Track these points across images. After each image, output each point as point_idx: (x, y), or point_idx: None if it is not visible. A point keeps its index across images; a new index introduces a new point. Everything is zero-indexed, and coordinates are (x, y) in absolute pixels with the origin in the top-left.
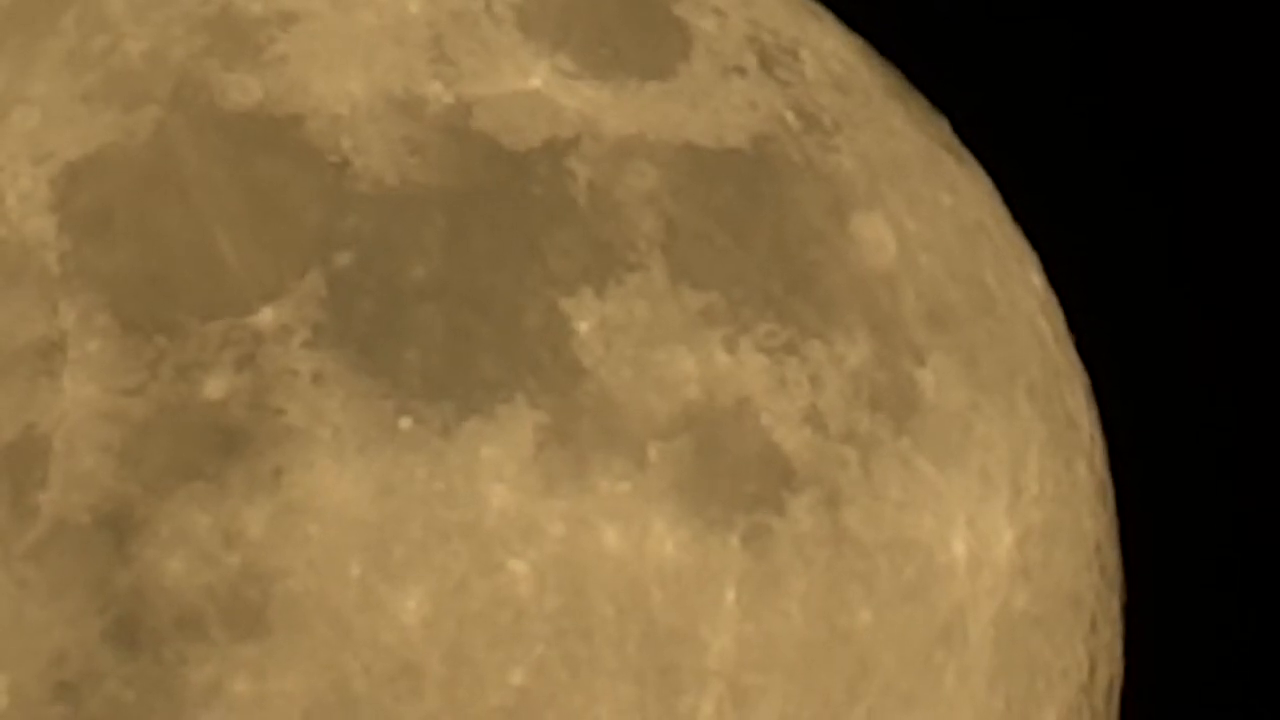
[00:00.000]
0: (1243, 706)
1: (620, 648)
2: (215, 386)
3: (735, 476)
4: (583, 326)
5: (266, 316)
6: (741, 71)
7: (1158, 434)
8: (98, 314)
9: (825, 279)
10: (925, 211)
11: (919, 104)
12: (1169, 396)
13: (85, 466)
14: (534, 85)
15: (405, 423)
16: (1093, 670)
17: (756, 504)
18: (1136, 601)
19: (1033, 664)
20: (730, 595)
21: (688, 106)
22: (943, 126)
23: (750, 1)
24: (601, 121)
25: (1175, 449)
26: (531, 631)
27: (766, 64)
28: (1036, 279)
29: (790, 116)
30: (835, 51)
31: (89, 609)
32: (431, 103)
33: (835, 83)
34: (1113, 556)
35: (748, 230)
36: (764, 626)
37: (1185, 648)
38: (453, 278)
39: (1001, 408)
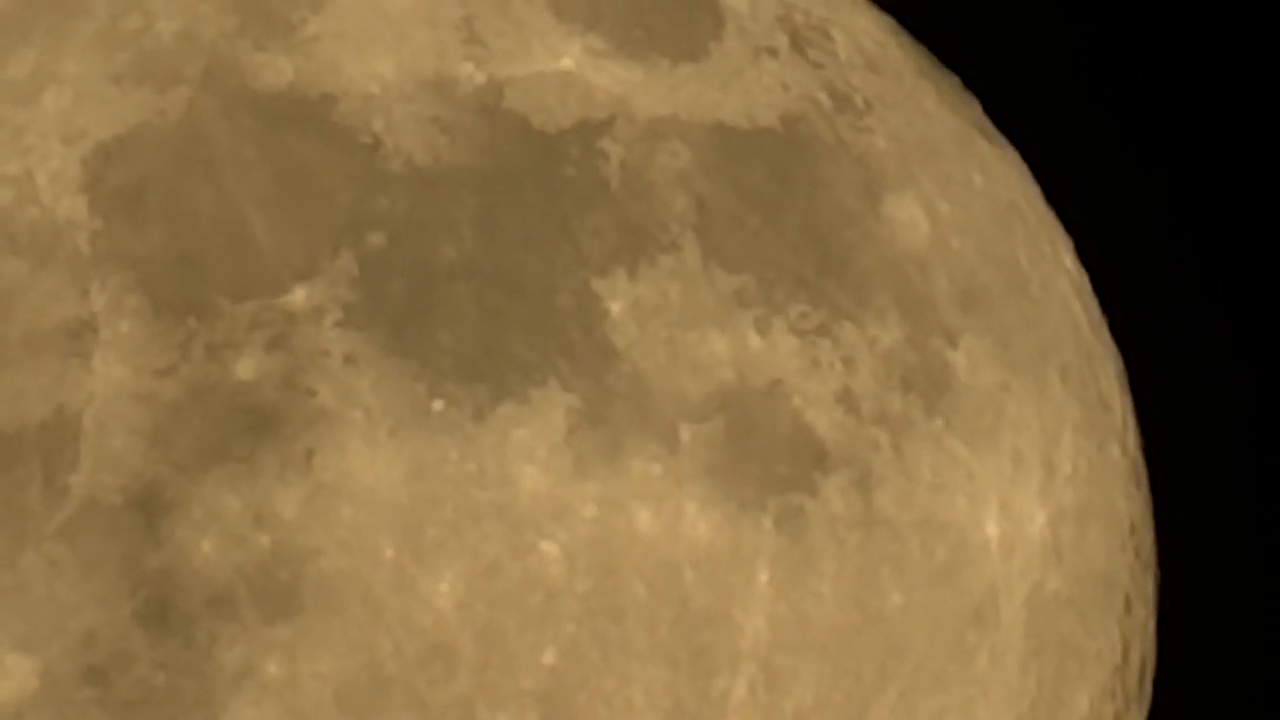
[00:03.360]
0: (1277, 688)
1: (652, 629)
2: (247, 367)
3: (768, 458)
4: (615, 308)
5: (298, 297)
6: (773, 52)
7: (1191, 416)
8: (129, 294)
9: (857, 260)
10: (957, 192)
11: (951, 84)
12: (1202, 378)
13: (116, 447)
14: (566, 66)
15: (437, 405)
16: (1126, 652)
17: (789, 485)
18: (1171, 583)
19: (1065, 645)
20: (763, 577)
21: (719, 87)
22: (975, 107)
23: None
24: (633, 102)
25: (1209, 431)
26: (563, 613)
27: (798, 44)
28: (1069, 260)
29: (822, 97)
30: (867, 31)
31: (119, 590)
32: (463, 83)
33: (867, 63)
34: (1147, 538)
35: (780, 211)
36: (797, 608)
37: (1220, 629)
38: (484, 259)
39: (1034, 389)
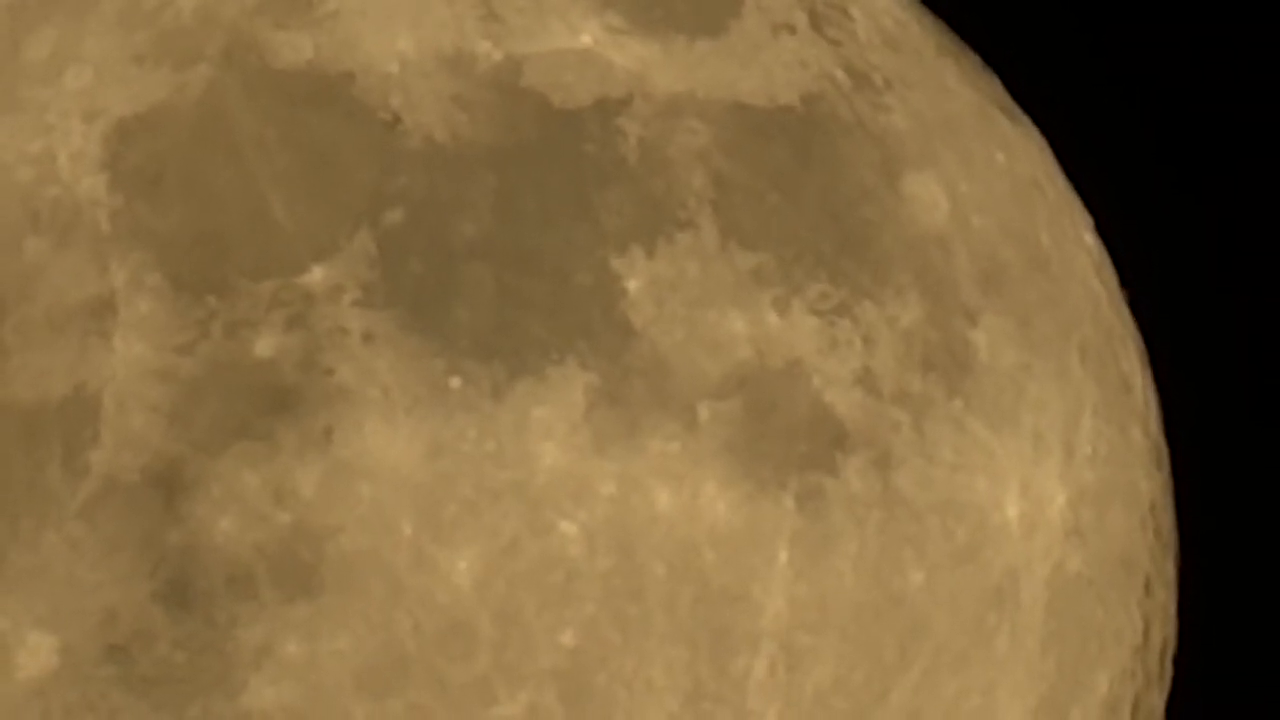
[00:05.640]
0: None
1: (672, 609)
2: (266, 345)
3: (787, 437)
4: (633, 286)
5: (317, 275)
6: (792, 29)
7: (1212, 396)
8: (149, 273)
9: (877, 239)
10: (978, 170)
11: (971, 61)
12: (1224, 358)
13: (136, 425)
14: (584, 42)
15: (455, 383)
16: (1147, 633)
17: (809, 465)
18: (1191, 564)
19: (1086, 626)
20: (783, 556)
21: (738, 64)
22: (995, 84)
23: None
24: (652, 79)
25: (1231, 411)
26: (582, 592)
27: (817, 22)
28: (1090, 238)
29: (841, 75)
30: (886, 9)
31: (140, 569)
32: (481, 60)
33: (886, 40)
34: (1167, 519)
35: (799, 189)
36: (816, 588)
37: (1240, 611)
38: (503, 236)
39: (1055, 369)
